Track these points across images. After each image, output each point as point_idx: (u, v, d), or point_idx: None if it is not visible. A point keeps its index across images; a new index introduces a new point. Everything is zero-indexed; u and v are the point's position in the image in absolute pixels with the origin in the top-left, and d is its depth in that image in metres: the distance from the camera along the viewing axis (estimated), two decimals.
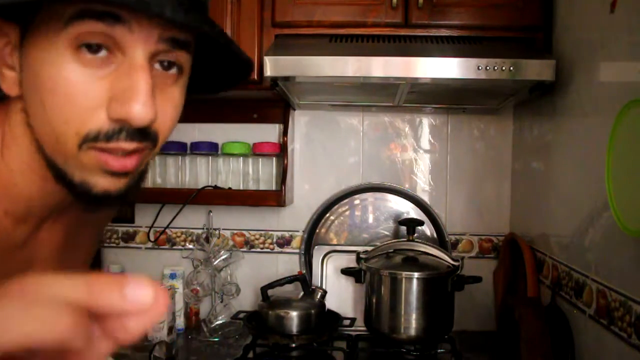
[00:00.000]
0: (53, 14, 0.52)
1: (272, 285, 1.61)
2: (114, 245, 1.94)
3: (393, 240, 1.72)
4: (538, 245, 1.56)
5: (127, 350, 1.60)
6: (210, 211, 1.86)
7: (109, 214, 0.86)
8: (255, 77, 1.51)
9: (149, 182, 1.81)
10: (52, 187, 0.60)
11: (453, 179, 1.86)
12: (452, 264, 1.56)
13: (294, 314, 1.54)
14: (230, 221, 1.90)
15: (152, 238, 1.91)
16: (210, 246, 1.81)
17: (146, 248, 1.94)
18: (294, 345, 1.54)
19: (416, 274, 1.52)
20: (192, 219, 1.89)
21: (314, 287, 1.64)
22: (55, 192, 0.61)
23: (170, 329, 1.67)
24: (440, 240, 1.82)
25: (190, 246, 1.90)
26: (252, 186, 1.83)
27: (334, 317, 1.64)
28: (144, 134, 0.55)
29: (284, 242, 1.90)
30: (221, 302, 1.78)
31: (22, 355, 0.28)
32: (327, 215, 1.87)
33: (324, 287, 1.75)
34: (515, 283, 1.65)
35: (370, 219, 1.87)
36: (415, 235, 1.67)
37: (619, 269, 1.08)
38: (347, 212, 1.87)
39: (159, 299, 0.31)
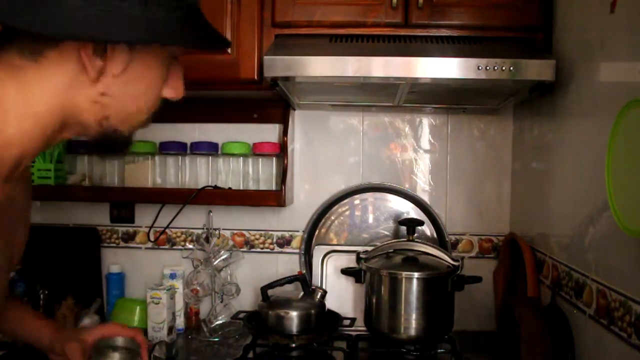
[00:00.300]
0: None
1: (272, 285, 1.61)
2: (114, 245, 1.94)
3: (393, 240, 1.72)
4: (538, 245, 1.56)
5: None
6: (210, 211, 1.86)
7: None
8: (255, 77, 1.52)
9: (149, 182, 1.82)
10: None
11: (453, 179, 1.86)
12: (452, 264, 1.56)
13: (294, 314, 1.54)
14: (230, 221, 1.90)
15: (152, 238, 1.91)
16: (210, 246, 1.81)
17: (146, 248, 1.94)
18: (294, 345, 1.54)
19: (416, 274, 1.52)
20: (192, 219, 1.89)
21: (314, 287, 1.64)
22: None
23: (170, 329, 1.67)
24: (440, 240, 1.82)
25: (190, 246, 1.90)
26: (252, 186, 1.83)
27: (334, 317, 1.64)
28: None
29: (284, 242, 1.90)
30: (221, 302, 1.78)
31: None
32: (327, 215, 1.87)
33: (324, 287, 1.75)
34: (515, 283, 1.65)
35: (370, 219, 1.87)
36: (415, 235, 1.67)
37: (619, 269, 1.08)
38: (347, 212, 1.87)
39: None
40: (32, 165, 1.69)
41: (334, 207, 1.87)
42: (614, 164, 1.01)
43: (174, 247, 1.92)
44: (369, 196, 1.87)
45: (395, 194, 1.86)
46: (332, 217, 1.87)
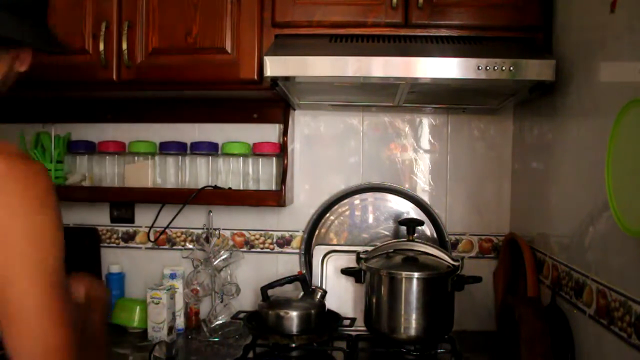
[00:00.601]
0: None
1: (272, 285, 1.61)
2: (114, 245, 1.94)
3: (393, 240, 1.72)
4: (538, 245, 1.56)
5: (127, 350, 1.60)
6: (210, 211, 1.86)
7: None
8: (255, 77, 1.52)
9: (149, 182, 1.82)
10: None
11: (453, 179, 1.86)
12: (452, 264, 1.56)
13: (294, 314, 1.54)
14: (230, 221, 1.90)
15: (152, 238, 1.92)
16: (210, 246, 1.81)
17: (146, 248, 1.94)
18: (294, 345, 1.54)
19: (416, 274, 1.52)
20: (192, 219, 1.90)
21: (314, 287, 1.64)
22: None
23: (170, 329, 1.67)
24: (440, 240, 1.83)
25: (190, 246, 1.90)
26: (252, 186, 1.83)
27: (334, 317, 1.64)
28: None
29: (284, 242, 1.90)
30: (221, 302, 1.78)
31: None
32: (327, 215, 1.87)
33: (324, 287, 1.75)
34: (515, 283, 1.65)
35: (370, 219, 1.87)
36: (415, 235, 1.67)
37: (619, 269, 1.07)
38: (347, 212, 1.87)
39: None
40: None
41: (334, 207, 1.87)
42: (614, 164, 1.01)
43: (174, 247, 1.92)
44: (369, 196, 1.87)
45: (395, 194, 1.86)
46: (332, 217, 1.87)
